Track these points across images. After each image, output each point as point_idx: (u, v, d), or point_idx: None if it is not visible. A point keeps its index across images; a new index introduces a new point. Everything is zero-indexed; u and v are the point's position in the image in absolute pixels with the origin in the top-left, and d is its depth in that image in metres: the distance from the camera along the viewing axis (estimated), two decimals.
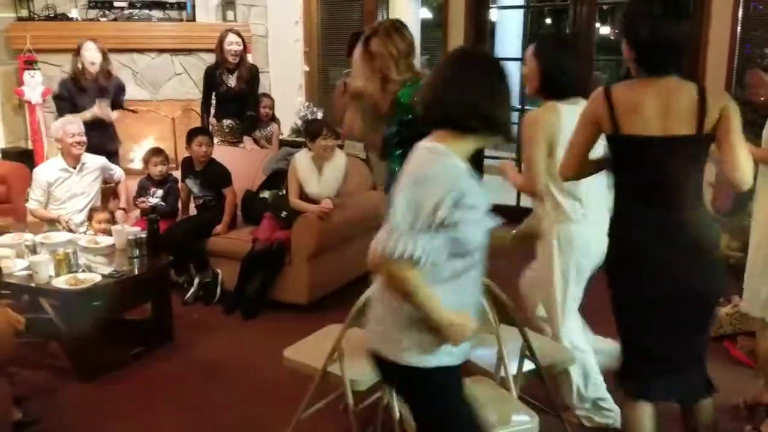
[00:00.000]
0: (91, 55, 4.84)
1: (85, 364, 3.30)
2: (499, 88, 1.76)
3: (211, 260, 4.31)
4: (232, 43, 5.16)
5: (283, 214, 4.21)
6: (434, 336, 1.73)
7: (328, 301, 4.23)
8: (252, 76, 5.33)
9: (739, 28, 4.69)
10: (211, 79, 5.27)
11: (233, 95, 5.26)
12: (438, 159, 1.70)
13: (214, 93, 5.33)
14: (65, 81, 4.96)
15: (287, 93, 6.26)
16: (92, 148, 4.42)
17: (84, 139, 4.25)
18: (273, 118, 5.68)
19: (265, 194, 4.49)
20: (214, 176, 4.44)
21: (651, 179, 2.07)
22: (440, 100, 1.75)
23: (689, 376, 2.18)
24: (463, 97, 1.71)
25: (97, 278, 3.31)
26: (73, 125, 4.26)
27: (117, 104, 5.09)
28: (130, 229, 3.78)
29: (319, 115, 6.20)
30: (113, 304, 3.38)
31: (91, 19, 6.14)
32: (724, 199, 4.17)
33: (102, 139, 4.77)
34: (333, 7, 6.83)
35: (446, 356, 1.77)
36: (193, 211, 4.54)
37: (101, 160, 4.40)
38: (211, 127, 5.32)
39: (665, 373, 2.15)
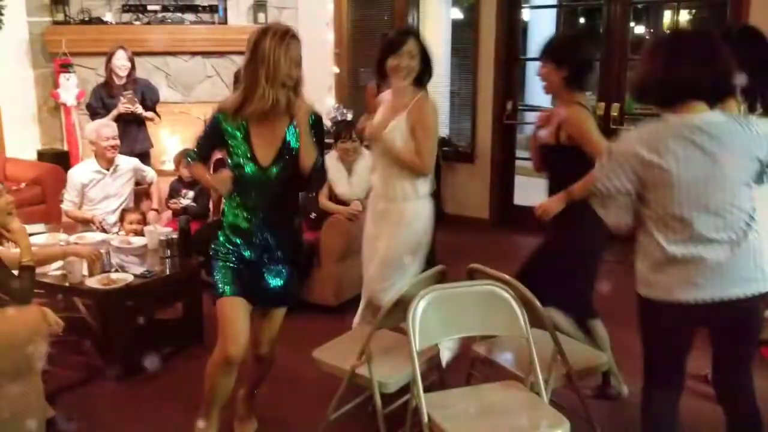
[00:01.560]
0: (121, 63, 5.04)
1: (118, 363, 3.34)
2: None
3: None
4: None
5: (312, 215, 4.21)
6: None
7: (356, 303, 4.23)
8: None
9: None
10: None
11: None
12: None
13: None
14: (97, 89, 5.12)
15: (317, 94, 6.25)
16: (123, 148, 4.49)
17: (117, 142, 4.32)
18: None
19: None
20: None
21: None
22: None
23: None
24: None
25: (130, 278, 3.34)
26: (108, 128, 4.34)
27: (147, 107, 5.16)
28: (161, 229, 3.83)
29: (349, 117, 6.21)
30: (145, 303, 3.42)
31: (125, 23, 6.24)
32: None
33: (131, 139, 4.89)
34: (364, 9, 6.83)
35: None
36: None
37: (134, 162, 4.47)
38: None
39: None
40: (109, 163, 4.31)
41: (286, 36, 2.36)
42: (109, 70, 5.07)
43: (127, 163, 4.41)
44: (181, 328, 3.76)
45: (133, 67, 5.14)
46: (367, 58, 6.76)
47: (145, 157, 4.92)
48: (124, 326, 3.31)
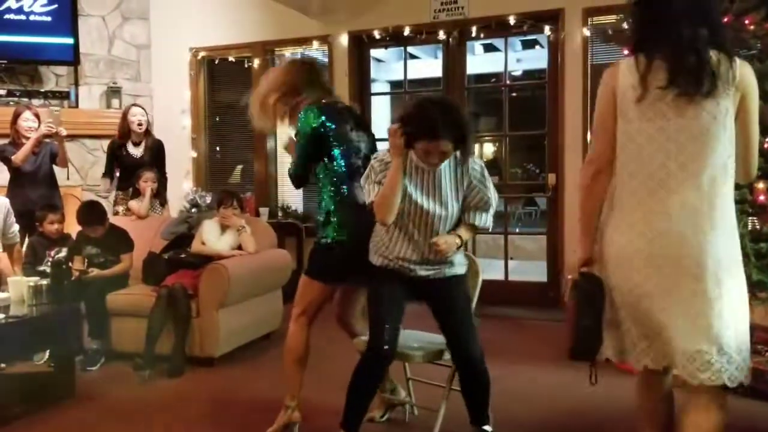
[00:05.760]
0: (28, 125, 4.90)
1: None
2: None
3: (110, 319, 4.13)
4: (136, 114, 5.26)
5: (183, 255, 4.29)
6: None
7: (238, 354, 4.18)
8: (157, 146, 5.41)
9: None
10: (116, 151, 5.29)
11: (138, 165, 5.24)
12: None
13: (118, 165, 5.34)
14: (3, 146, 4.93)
15: (175, 179, 6.27)
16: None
17: None
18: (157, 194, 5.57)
19: (169, 254, 4.45)
20: (116, 241, 4.39)
21: None
22: None
23: None
24: None
25: None
26: None
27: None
28: (28, 278, 3.57)
29: (207, 200, 6.26)
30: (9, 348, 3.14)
31: None
32: None
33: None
34: (221, 93, 7.09)
35: None
36: None
37: (5, 202, 4.15)
38: (115, 199, 5.41)
39: None
40: None
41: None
42: (15, 130, 4.88)
43: None
44: (51, 381, 3.45)
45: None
46: (224, 139, 6.99)
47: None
48: None
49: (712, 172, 1.84)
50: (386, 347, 2.49)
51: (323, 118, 2.72)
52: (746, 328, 1.89)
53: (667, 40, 1.86)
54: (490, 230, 2.66)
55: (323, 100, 2.81)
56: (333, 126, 2.74)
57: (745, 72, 1.87)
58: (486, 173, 2.59)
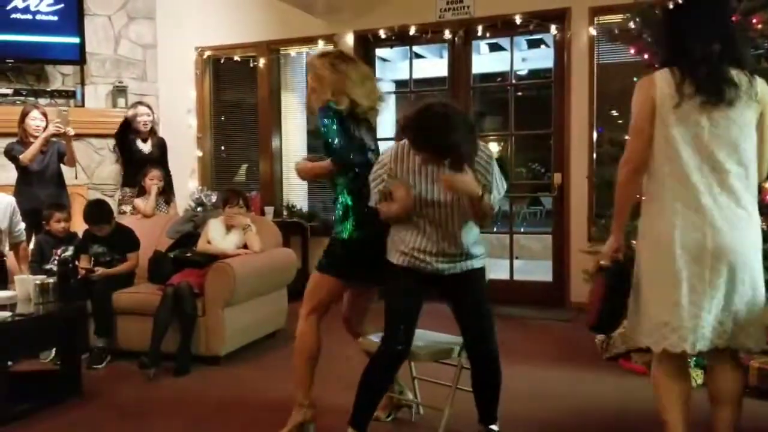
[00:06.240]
0: (36, 123, 4.91)
1: None
2: None
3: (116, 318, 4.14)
4: (142, 115, 5.27)
5: (189, 254, 4.29)
6: None
7: (243, 353, 4.19)
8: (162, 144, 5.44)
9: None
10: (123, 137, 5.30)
11: (147, 160, 5.26)
12: None
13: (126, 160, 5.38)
14: (12, 144, 4.94)
15: (180, 178, 6.29)
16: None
17: None
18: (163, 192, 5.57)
19: (175, 253, 4.46)
20: (123, 240, 4.41)
21: None
22: None
23: None
24: None
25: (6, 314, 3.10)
26: None
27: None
28: (35, 276, 3.59)
29: (213, 198, 6.26)
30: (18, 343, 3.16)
31: None
32: None
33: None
34: (226, 92, 7.10)
35: None
36: None
37: (10, 200, 4.17)
38: (122, 197, 5.40)
39: None
40: None
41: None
42: (23, 129, 4.89)
43: (2, 199, 4.12)
44: (57, 379, 3.46)
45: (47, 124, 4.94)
46: (229, 138, 7.00)
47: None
48: None
49: (738, 174, 2.13)
50: (400, 347, 2.50)
51: (333, 114, 2.68)
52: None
53: (688, 56, 2.15)
54: (495, 211, 2.60)
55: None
56: (348, 125, 2.72)
57: (765, 89, 2.18)
58: (493, 164, 2.56)
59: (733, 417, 2.27)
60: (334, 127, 2.64)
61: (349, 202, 2.72)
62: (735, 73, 2.12)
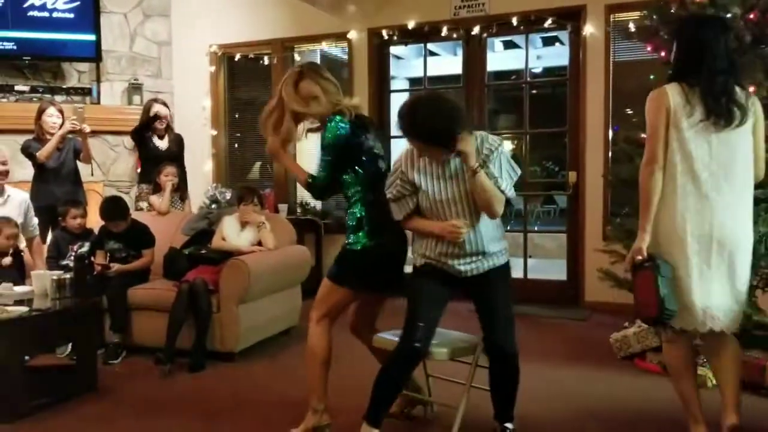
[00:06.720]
0: (52, 120, 4.94)
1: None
2: None
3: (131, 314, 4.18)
4: (159, 110, 5.32)
5: (204, 251, 4.32)
6: None
7: (258, 349, 4.21)
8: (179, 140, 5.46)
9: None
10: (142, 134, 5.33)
11: (164, 157, 5.30)
12: None
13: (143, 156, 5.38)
14: (29, 142, 4.96)
15: (195, 176, 6.32)
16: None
17: (8, 168, 4.19)
18: (178, 189, 5.60)
19: (190, 250, 4.48)
20: (138, 237, 4.43)
21: None
22: None
23: None
24: None
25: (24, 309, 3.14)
26: None
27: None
28: (51, 271, 3.62)
29: (227, 196, 6.29)
30: (36, 338, 3.19)
31: None
32: None
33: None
34: (240, 89, 7.12)
35: None
36: None
37: (24, 196, 4.22)
38: (138, 194, 5.40)
39: None
40: None
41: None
42: (39, 126, 4.92)
43: (18, 195, 4.17)
44: (73, 374, 3.49)
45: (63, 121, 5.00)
46: (243, 135, 7.03)
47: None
48: (15, 364, 3.04)
49: (741, 177, 2.48)
50: (418, 344, 2.50)
51: (349, 127, 2.68)
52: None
53: (704, 82, 2.45)
54: (510, 196, 2.59)
55: (339, 108, 2.73)
56: (360, 134, 2.72)
57: (756, 102, 2.55)
58: (498, 156, 2.55)
59: (736, 383, 2.55)
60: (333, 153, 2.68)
61: (363, 213, 2.71)
62: (740, 94, 2.48)
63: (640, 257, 2.49)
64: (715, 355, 2.62)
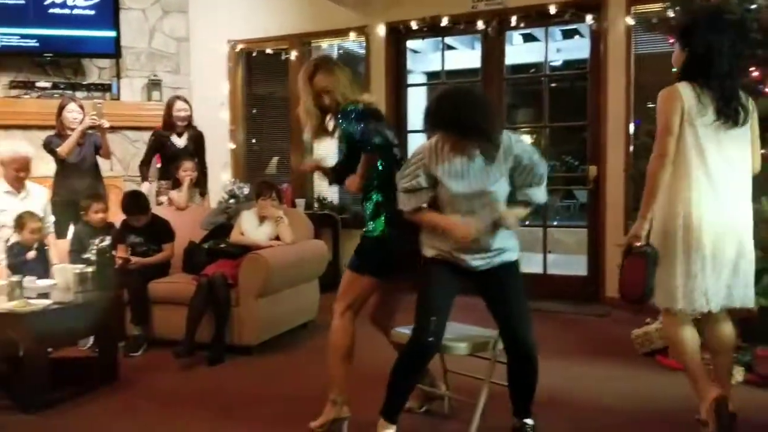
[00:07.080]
0: (73, 116, 4.98)
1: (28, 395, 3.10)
2: None
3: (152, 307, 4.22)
4: (180, 110, 5.33)
5: (223, 245, 4.35)
6: None
7: (277, 343, 4.22)
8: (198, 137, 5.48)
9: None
10: (161, 139, 5.36)
11: (182, 155, 5.32)
12: None
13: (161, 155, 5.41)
14: (50, 138, 5.02)
15: (213, 171, 6.35)
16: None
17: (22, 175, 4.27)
18: (196, 184, 5.61)
19: (209, 244, 4.51)
20: (159, 231, 4.47)
21: None
22: None
23: None
24: None
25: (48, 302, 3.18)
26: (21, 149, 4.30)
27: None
28: (74, 265, 3.66)
29: (246, 191, 6.32)
30: (60, 331, 3.23)
31: (12, 98, 6.11)
32: None
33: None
34: (259, 86, 7.14)
35: None
36: None
37: (45, 192, 4.28)
38: (158, 189, 5.43)
39: None
40: (19, 187, 4.25)
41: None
42: (60, 122, 4.98)
43: (38, 191, 4.22)
44: (94, 366, 3.53)
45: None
46: (261, 130, 7.04)
47: None
48: (39, 356, 3.09)
49: (746, 169, 2.68)
50: (431, 338, 2.49)
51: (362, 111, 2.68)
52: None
53: (714, 86, 2.58)
54: (542, 204, 2.67)
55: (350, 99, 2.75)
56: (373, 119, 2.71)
57: (750, 99, 2.71)
58: (512, 155, 2.55)
59: (729, 361, 2.76)
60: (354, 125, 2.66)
61: (380, 199, 2.72)
62: (743, 96, 2.63)
63: (638, 243, 2.63)
64: (712, 336, 2.73)
